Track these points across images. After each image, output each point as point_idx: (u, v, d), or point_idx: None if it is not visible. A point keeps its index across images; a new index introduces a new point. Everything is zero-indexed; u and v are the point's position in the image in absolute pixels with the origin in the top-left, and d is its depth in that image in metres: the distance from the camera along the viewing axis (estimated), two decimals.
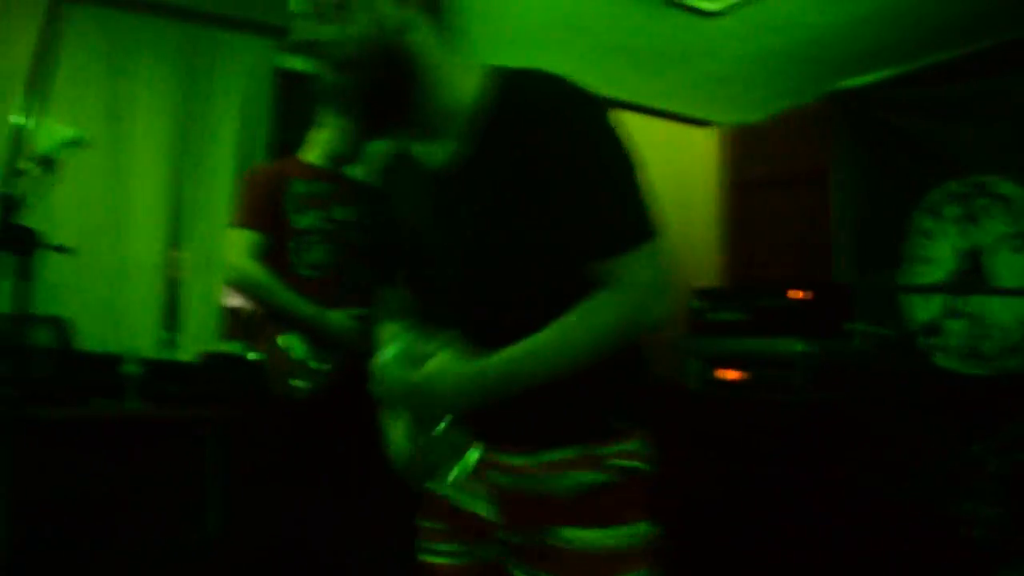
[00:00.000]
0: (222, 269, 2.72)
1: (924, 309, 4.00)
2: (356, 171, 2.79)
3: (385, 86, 1.24)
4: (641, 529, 1.30)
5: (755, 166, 5.23)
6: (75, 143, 2.17)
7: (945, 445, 2.92)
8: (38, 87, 1.40)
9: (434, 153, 1.32)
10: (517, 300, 1.28)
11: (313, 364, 2.58)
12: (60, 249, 1.74)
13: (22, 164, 1.72)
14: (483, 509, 1.36)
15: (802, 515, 3.03)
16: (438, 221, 1.33)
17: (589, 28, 4.01)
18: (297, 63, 4.26)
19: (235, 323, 3.97)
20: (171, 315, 3.90)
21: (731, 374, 3.48)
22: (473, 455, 1.27)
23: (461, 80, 1.27)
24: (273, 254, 2.63)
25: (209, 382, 3.51)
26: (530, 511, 1.32)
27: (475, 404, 1.24)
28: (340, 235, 2.72)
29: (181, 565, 3.25)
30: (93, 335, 3.58)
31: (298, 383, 2.56)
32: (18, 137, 1.47)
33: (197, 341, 3.87)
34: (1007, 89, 3.80)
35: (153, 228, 3.82)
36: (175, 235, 3.90)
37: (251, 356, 2.69)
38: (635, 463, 1.32)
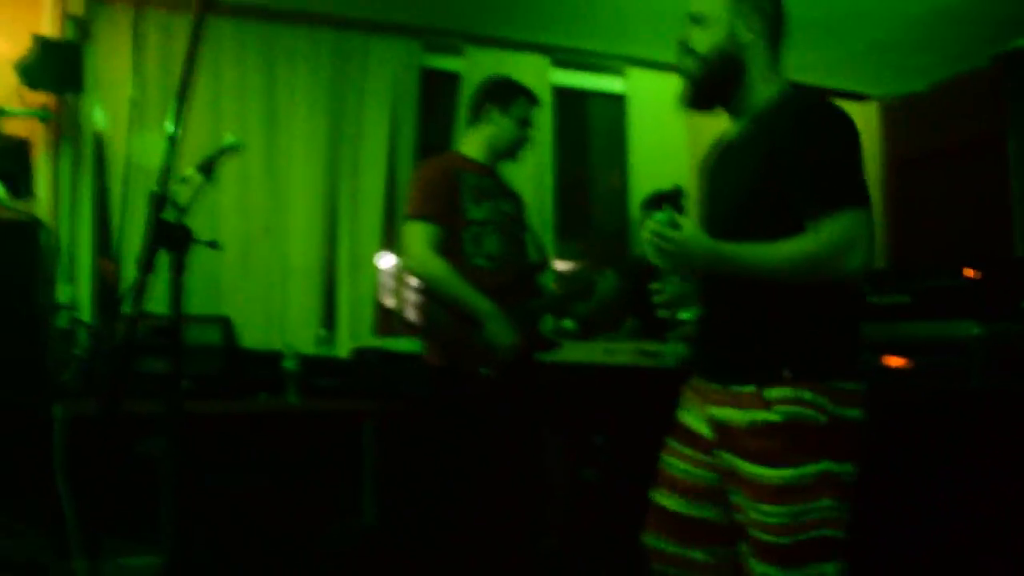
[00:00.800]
0: (403, 260, 2.84)
1: None
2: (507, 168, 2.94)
3: (719, 80, 1.85)
4: (809, 469, 1.64)
5: (919, 139, 4.89)
6: (232, 149, 2.29)
7: None
8: (184, 97, 1.48)
9: (732, 132, 1.92)
10: (751, 238, 1.71)
11: (499, 345, 2.67)
12: (212, 245, 1.84)
13: (185, 171, 1.81)
14: (704, 430, 1.83)
15: (975, 513, 2.80)
16: (714, 176, 1.98)
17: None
18: (442, 62, 4.36)
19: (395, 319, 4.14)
20: (327, 312, 4.06)
21: (897, 361, 3.25)
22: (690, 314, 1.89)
23: (767, 86, 1.84)
24: (449, 245, 2.72)
25: (364, 376, 3.62)
26: (724, 437, 1.76)
27: (706, 265, 1.73)
28: (509, 227, 2.83)
29: (340, 553, 3.37)
30: (254, 333, 3.78)
31: (483, 370, 2.68)
32: (173, 145, 1.54)
33: (352, 337, 4.02)
34: None
35: (309, 229, 4.00)
36: (330, 235, 4.07)
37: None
38: (802, 409, 1.65)
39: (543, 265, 2.98)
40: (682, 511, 1.86)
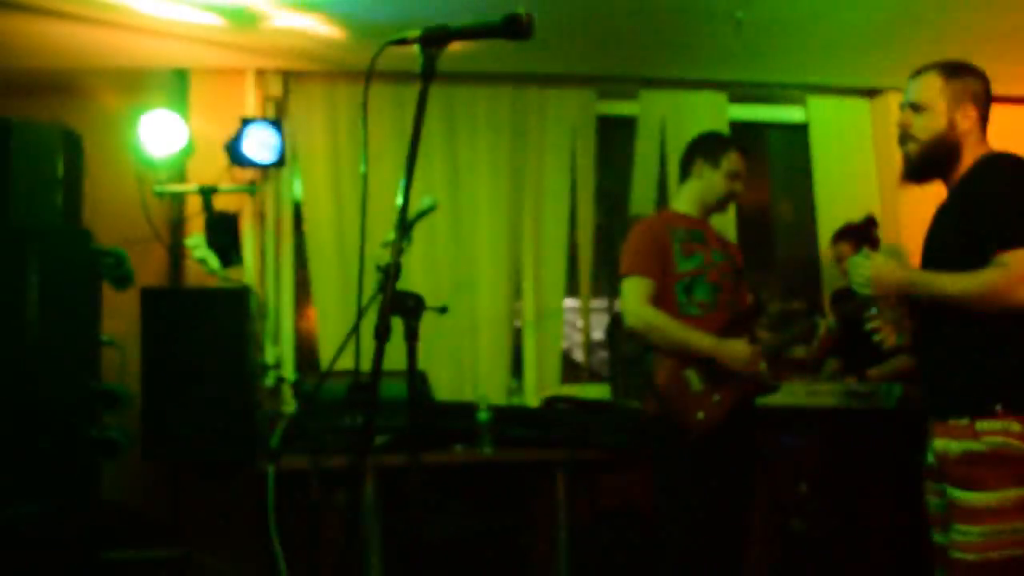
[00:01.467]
0: (622, 315, 2.97)
1: None
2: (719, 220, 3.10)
3: (938, 160, 2.12)
4: (1010, 494, 1.86)
5: None
6: (429, 210, 2.40)
7: None
8: (411, 169, 1.56)
9: (945, 200, 2.16)
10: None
11: (714, 397, 2.73)
12: (442, 310, 1.91)
13: (387, 235, 1.89)
14: (934, 461, 2.06)
15: None
16: (929, 241, 2.19)
17: (925, 18, 3.70)
18: (617, 108, 4.39)
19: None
20: (515, 363, 4.11)
21: None
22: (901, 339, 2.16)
23: (972, 156, 2.09)
24: (662, 297, 2.84)
25: (556, 425, 3.61)
26: (943, 466, 1.99)
27: (900, 289, 2.06)
28: (720, 275, 2.90)
29: None
30: (447, 386, 3.86)
31: (700, 415, 2.72)
32: (402, 216, 1.62)
33: (539, 386, 4.04)
34: None
35: (495, 282, 4.08)
36: (515, 286, 4.13)
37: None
38: (1007, 440, 1.88)
39: (756, 310, 3.00)
40: (942, 542, 2.04)
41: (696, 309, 2.84)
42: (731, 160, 2.94)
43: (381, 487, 3.29)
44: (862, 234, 3.77)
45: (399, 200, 1.58)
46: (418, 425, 3.43)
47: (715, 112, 4.32)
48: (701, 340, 2.76)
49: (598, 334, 4.50)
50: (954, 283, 1.97)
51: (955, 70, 2.14)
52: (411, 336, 1.64)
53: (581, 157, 4.24)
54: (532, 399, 3.99)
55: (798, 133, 4.61)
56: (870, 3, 3.57)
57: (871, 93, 4.50)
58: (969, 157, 2.10)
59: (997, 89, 2.21)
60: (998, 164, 2.06)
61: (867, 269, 2.08)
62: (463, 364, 4.00)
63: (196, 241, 3.57)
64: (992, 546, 1.86)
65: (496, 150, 4.13)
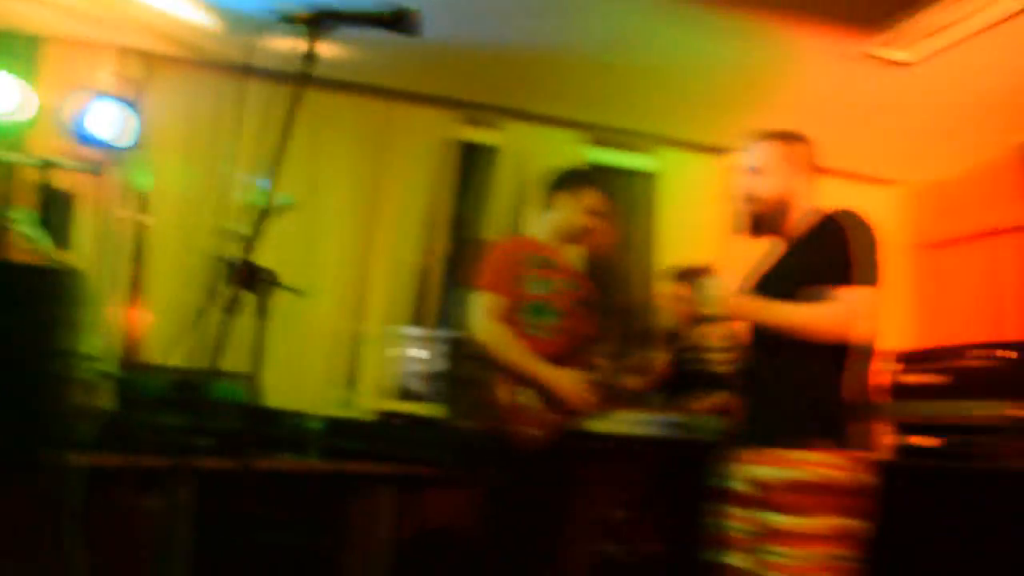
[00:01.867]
0: (468, 329, 2.98)
1: None
2: (571, 251, 3.15)
3: (774, 216, 2.35)
4: (831, 522, 2.04)
5: (944, 224, 4.92)
6: (282, 207, 2.38)
7: None
8: (278, 162, 1.54)
9: (773, 252, 2.39)
10: None
11: (548, 416, 2.83)
12: (296, 291, 1.88)
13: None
14: (746, 488, 2.20)
15: None
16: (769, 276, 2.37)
17: (782, 85, 4.01)
18: (482, 136, 4.47)
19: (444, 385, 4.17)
20: (350, 375, 4.06)
21: (927, 440, 3.21)
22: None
23: (802, 213, 2.33)
24: (510, 317, 2.90)
25: (385, 439, 3.59)
26: (763, 494, 2.12)
27: (752, 316, 2.28)
28: (568, 304, 2.99)
29: None
30: (277, 392, 3.76)
31: (535, 432, 2.81)
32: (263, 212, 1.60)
33: (374, 400, 4.00)
34: None
35: (340, 293, 4.03)
36: (360, 300, 4.10)
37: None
38: (830, 472, 2.05)
39: (597, 340, 3.09)
40: (745, 566, 2.19)
41: (541, 332, 2.91)
42: (591, 196, 3.06)
43: (200, 492, 3.15)
44: (700, 277, 3.98)
45: (258, 196, 1.56)
46: (248, 427, 3.37)
47: (574, 151, 4.47)
48: (537, 367, 2.85)
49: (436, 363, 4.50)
50: (796, 311, 2.16)
51: (791, 139, 2.40)
52: (262, 312, 1.60)
53: (440, 180, 4.29)
54: (364, 413, 3.95)
55: (647, 181, 4.84)
56: (719, 68, 3.85)
57: (719, 151, 4.80)
58: (799, 214, 2.35)
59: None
60: (836, 219, 2.26)
61: (719, 290, 2.32)
62: (298, 372, 3.92)
63: (22, 215, 3.35)
64: (810, 569, 2.03)
65: (356, 162, 4.13)
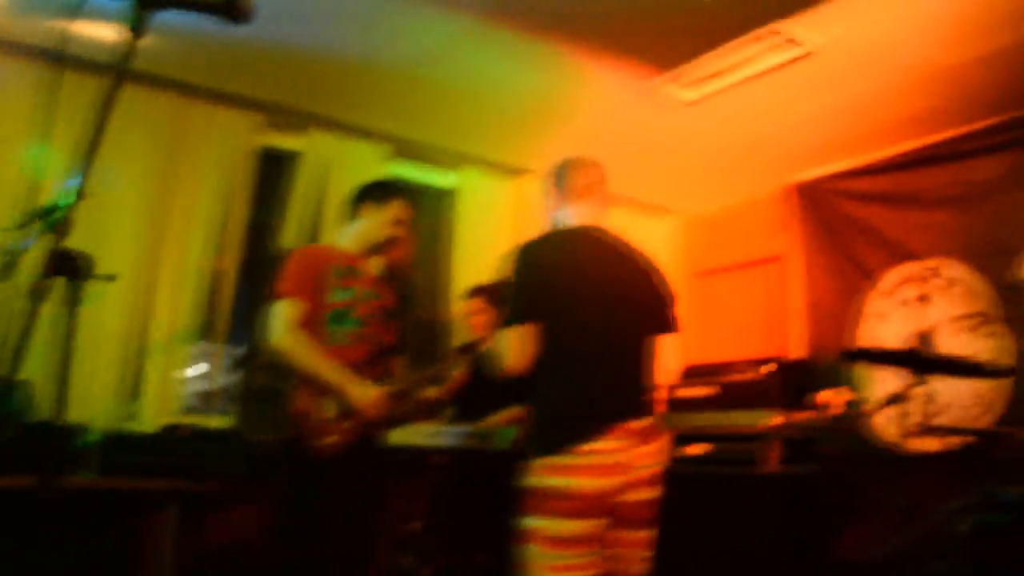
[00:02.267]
0: (268, 336, 2.88)
1: (878, 387, 4.14)
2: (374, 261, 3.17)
3: None
4: (519, 522, 2.23)
5: (714, 253, 5.39)
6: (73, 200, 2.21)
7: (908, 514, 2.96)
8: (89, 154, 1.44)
9: None
10: None
11: (345, 424, 2.83)
12: (109, 278, 1.75)
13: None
14: None
15: None
16: None
17: (577, 113, 4.22)
18: (284, 141, 4.37)
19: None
20: (133, 386, 3.82)
21: (698, 448, 3.52)
22: None
23: None
24: (311, 324, 2.89)
25: (170, 452, 3.41)
26: None
27: None
28: (370, 312, 3.01)
29: None
30: (51, 402, 3.48)
31: (330, 439, 2.81)
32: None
33: (158, 414, 3.79)
34: (959, 179, 4.02)
35: (124, 299, 3.77)
36: (146, 308, 3.86)
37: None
38: (527, 480, 2.23)
39: (397, 348, 3.13)
40: None
41: (342, 339, 2.92)
42: (397, 207, 3.11)
43: None
44: (494, 293, 4.12)
45: (58, 188, 1.46)
46: (22, 441, 3.09)
47: (377, 162, 4.48)
48: (333, 375, 2.85)
49: (224, 377, 4.34)
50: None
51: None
52: (73, 301, 1.48)
53: (239, 185, 4.14)
54: (149, 427, 3.72)
55: (446, 197, 4.94)
56: (520, 91, 4.03)
57: (517, 172, 4.98)
58: None
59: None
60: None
61: None
62: (75, 382, 3.62)
63: None
64: (537, 569, 2.17)
65: (148, 159, 3.89)
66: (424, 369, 3.22)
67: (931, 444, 3.89)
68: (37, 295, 1.32)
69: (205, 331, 4.06)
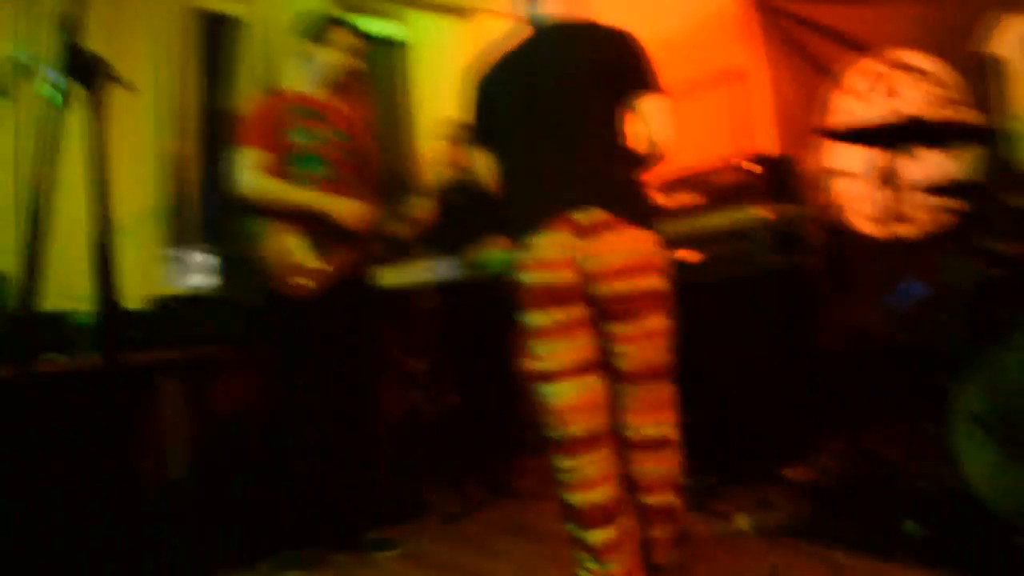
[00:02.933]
0: (233, 186, 2.93)
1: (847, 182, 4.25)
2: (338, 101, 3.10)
3: None
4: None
5: (675, 72, 5.32)
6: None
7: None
8: None
9: None
10: None
11: (321, 265, 2.87)
12: (128, 86, 1.65)
13: None
14: None
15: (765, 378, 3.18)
16: None
17: None
18: (225, 5, 4.16)
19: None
20: (107, 266, 3.73)
21: (692, 254, 3.57)
22: None
23: None
24: (276, 169, 2.92)
25: (164, 322, 3.38)
26: None
27: None
28: (334, 152, 3.00)
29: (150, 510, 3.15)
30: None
31: (306, 282, 2.85)
32: None
33: (142, 289, 3.73)
34: None
35: (85, 179, 3.64)
36: (103, 186, 3.73)
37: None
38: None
39: (369, 191, 3.10)
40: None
41: (307, 182, 2.93)
42: (340, 35, 3.05)
43: None
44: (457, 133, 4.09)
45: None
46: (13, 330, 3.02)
47: None
48: (313, 197, 2.89)
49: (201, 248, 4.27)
50: None
51: None
52: (96, 105, 1.41)
53: (183, 51, 3.96)
54: (133, 304, 3.67)
55: (398, 49, 4.79)
56: None
57: (468, 12, 4.83)
58: None
59: None
60: None
61: None
62: (51, 268, 3.52)
63: None
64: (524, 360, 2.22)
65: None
66: (393, 207, 3.25)
67: (907, 229, 4.01)
68: (62, 99, 1.25)
69: (175, 203, 3.96)
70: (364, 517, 3.04)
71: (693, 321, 3.42)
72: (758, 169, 3.40)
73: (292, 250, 2.86)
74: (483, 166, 2.33)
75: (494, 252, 3.39)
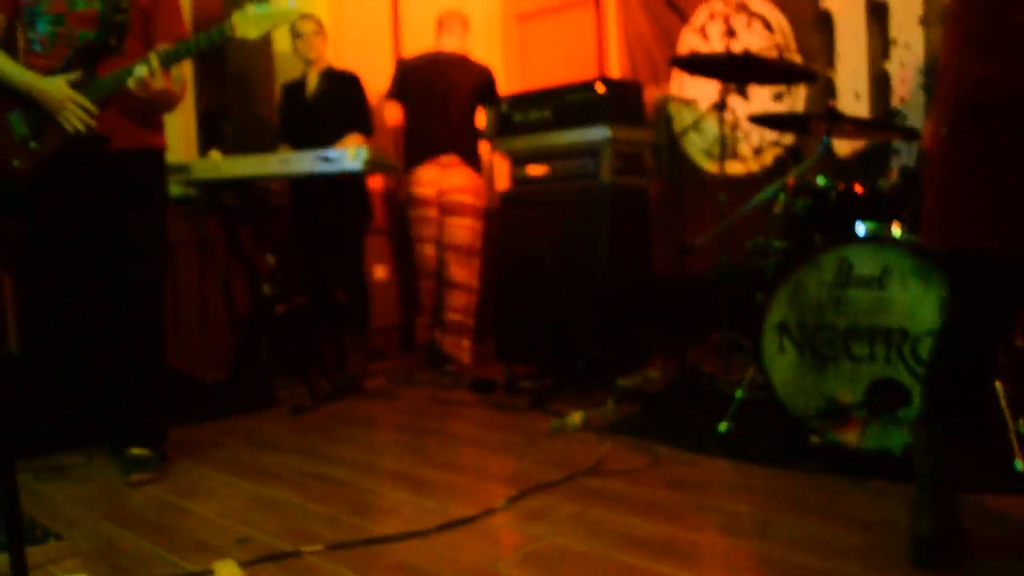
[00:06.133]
0: None
1: (688, 114, 4.53)
2: None
3: None
4: None
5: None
6: None
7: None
8: None
9: None
10: None
11: (32, 144, 2.54)
12: None
13: None
14: None
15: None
16: None
17: None
18: None
19: None
20: None
21: (538, 168, 3.73)
22: None
23: None
24: (13, 35, 2.59)
25: None
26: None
27: None
28: (65, 8, 2.59)
29: None
30: None
31: (16, 162, 2.53)
32: None
33: None
34: None
35: None
36: None
37: None
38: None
39: (106, 48, 2.65)
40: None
41: (38, 47, 2.59)
42: None
43: None
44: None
45: None
46: None
47: None
48: (21, 75, 2.52)
49: None
50: None
51: None
52: None
53: None
54: None
55: None
56: None
57: None
58: None
59: None
60: None
61: None
62: None
63: None
64: None
65: None
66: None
67: (737, 167, 4.36)
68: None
69: None
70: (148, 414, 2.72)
71: (536, 230, 3.67)
72: (603, 90, 3.56)
73: (10, 127, 2.54)
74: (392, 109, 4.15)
75: (352, 149, 3.39)
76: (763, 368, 2.51)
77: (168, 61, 2.47)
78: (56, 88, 2.47)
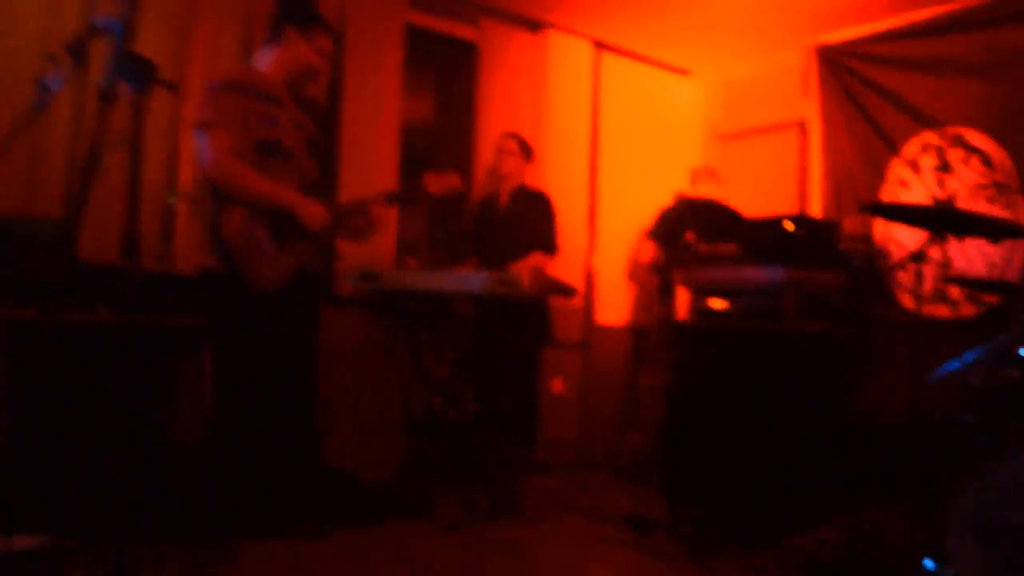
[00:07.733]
0: (201, 167, 2.89)
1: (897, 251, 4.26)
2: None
3: None
4: None
5: (736, 117, 5.37)
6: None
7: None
8: None
9: None
10: None
11: (280, 258, 2.82)
12: (171, 87, 1.74)
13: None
14: None
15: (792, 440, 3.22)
16: None
17: None
18: None
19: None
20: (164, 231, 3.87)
21: (721, 303, 3.63)
22: None
23: None
24: (244, 154, 2.82)
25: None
26: None
27: None
28: (295, 144, 2.93)
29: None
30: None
31: (266, 273, 2.79)
32: None
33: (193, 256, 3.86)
34: (990, 46, 3.97)
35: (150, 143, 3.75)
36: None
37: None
38: None
39: (320, 183, 3.07)
40: None
41: (270, 171, 2.85)
42: (324, 38, 3.01)
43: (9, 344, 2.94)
44: (526, 144, 4.19)
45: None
46: (61, 276, 3.14)
47: (395, 11, 4.39)
48: (283, 193, 2.82)
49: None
50: None
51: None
52: (139, 109, 1.50)
53: None
54: (183, 266, 3.80)
55: (467, 51, 4.86)
56: None
57: (535, 26, 4.88)
58: None
59: None
60: None
61: None
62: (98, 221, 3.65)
63: None
64: None
65: None
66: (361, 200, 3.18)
67: (942, 310, 4.02)
68: (107, 96, 1.32)
69: None
70: (291, 508, 2.97)
71: (713, 367, 3.55)
72: (792, 228, 3.42)
73: (257, 240, 2.80)
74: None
75: (528, 271, 3.46)
76: (946, 559, 2.25)
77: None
78: (319, 211, 2.87)
